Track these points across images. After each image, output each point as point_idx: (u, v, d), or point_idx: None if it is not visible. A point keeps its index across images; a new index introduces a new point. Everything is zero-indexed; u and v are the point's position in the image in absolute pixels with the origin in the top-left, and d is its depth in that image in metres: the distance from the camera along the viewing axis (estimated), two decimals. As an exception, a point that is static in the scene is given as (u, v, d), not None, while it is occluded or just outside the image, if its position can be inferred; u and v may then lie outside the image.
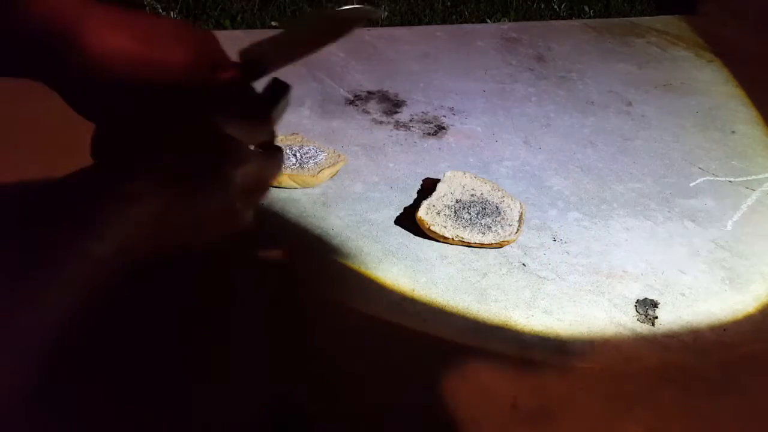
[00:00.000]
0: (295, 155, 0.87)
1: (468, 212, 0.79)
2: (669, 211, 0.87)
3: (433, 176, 0.89)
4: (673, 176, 0.95)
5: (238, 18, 1.54)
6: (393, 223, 0.80)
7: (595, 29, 1.49)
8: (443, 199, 0.81)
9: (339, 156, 0.89)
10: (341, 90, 1.12)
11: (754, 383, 0.63)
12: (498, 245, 0.76)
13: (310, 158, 0.86)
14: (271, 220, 0.80)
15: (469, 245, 0.76)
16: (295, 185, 0.84)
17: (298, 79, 1.14)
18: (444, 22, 1.64)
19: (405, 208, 0.83)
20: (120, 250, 0.19)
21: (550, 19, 1.69)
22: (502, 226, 0.78)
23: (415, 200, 0.85)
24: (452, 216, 0.78)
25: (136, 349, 0.57)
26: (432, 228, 0.76)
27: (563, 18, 1.70)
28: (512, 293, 0.71)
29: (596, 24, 1.53)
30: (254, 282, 0.69)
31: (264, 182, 0.30)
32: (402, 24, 1.59)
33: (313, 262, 0.74)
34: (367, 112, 1.06)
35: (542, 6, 1.75)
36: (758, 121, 1.13)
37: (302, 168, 0.85)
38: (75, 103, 0.25)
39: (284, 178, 0.84)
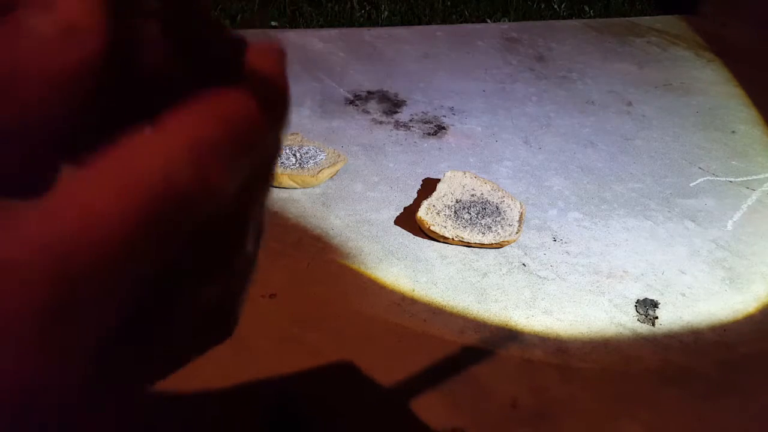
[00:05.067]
0: (295, 155, 0.87)
1: (468, 212, 0.79)
2: (669, 211, 0.87)
3: (433, 176, 0.89)
4: (673, 176, 0.95)
5: (238, 18, 1.54)
6: (393, 223, 0.80)
7: (595, 29, 1.49)
8: (443, 199, 0.81)
9: (339, 156, 0.89)
10: (341, 90, 1.12)
11: (754, 383, 0.63)
12: (498, 245, 0.76)
13: (310, 158, 0.86)
14: (271, 220, 0.80)
15: (469, 245, 0.76)
16: (295, 185, 0.84)
17: (298, 79, 1.14)
18: (444, 22, 1.64)
19: (405, 208, 0.83)
20: None
21: (550, 18, 1.69)
22: (502, 226, 0.78)
23: (415, 200, 0.85)
24: (452, 216, 0.78)
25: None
26: (432, 228, 0.76)
27: (563, 18, 1.70)
28: (512, 293, 0.71)
29: (596, 24, 1.53)
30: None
31: None
32: (402, 24, 1.59)
33: (313, 262, 0.74)
34: (367, 112, 1.06)
35: (542, 6, 1.75)
36: (758, 121, 1.13)
37: (302, 168, 0.85)
38: None
39: (284, 178, 0.84)
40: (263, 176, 0.16)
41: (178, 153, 0.13)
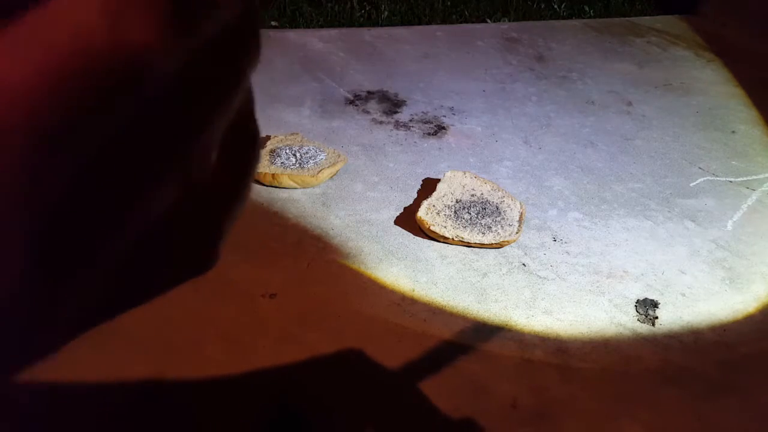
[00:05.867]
0: (295, 155, 0.87)
1: (468, 212, 0.79)
2: (669, 211, 0.87)
3: (433, 176, 0.89)
4: (673, 176, 0.95)
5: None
6: (393, 223, 0.80)
7: (595, 29, 1.49)
8: (443, 199, 0.81)
9: (339, 156, 0.89)
10: (341, 90, 1.12)
11: (754, 383, 0.63)
12: (498, 245, 0.76)
13: (310, 158, 0.86)
14: (271, 220, 0.80)
15: (469, 245, 0.76)
16: (295, 185, 0.84)
17: (298, 79, 1.14)
18: (444, 22, 1.64)
19: (405, 208, 0.83)
20: None
21: (550, 18, 1.69)
22: (502, 226, 0.78)
23: (415, 200, 0.85)
24: (452, 216, 0.78)
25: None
26: (432, 228, 0.76)
27: (563, 18, 1.70)
28: (512, 293, 0.71)
29: (596, 24, 1.53)
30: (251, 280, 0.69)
31: None
32: (402, 24, 1.59)
33: (313, 262, 0.74)
34: (367, 112, 1.06)
35: (542, 6, 1.75)
36: (758, 121, 1.13)
37: (302, 168, 0.85)
38: None
39: (284, 178, 0.84)
40: (225, 63, 0.14)
41: (87, 5, 0.11)
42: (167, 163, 0.14)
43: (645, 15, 1.65)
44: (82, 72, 0.11)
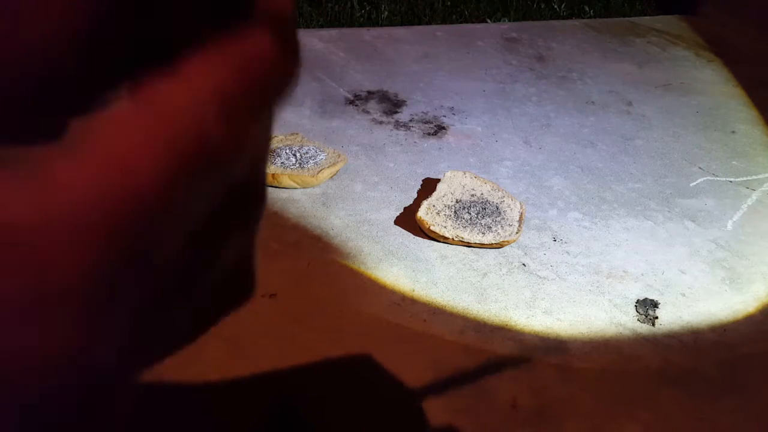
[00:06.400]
0: (295, 155, 0.87)
1: (468, 212, 0.79)
2: (669, 211, 0.87)
3: (433, 176, 0.89)
4: (673, 176, 0.95)
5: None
6: (393, 223, 0.80)
7: (595, 29, 1.49)
8: (443, 199, 0.81)
9: (339, 156, 0.89)
10: (341, 90, 1.12)
11: (754, 383, 0.63)
12: (498, 245, 0.76)
13: (310, 158, 0.86)
14: (271, 220, 0.80)
15: (469, 245, 0.76)
16: (295, 185, 0.84)
17: (298, 79, 1.14)
18: (444, 22, 1.64)
19: (405, 208, 0.83)
20: None
21: (550, 18, 1.69)
22: (502, 226, 0.78)
23: (415, 200, 0.85)
24: (452, 216, 0.78)
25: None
26: (432, 228, 0.76)
27: (563, 18, 1.70)
28: (512, 293, 0.71)
29: (596, 24, 1.53)
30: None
31: None
32: (402, 24, 1.59)
33: (313, 262, 0.74)
34: (367, 112, 1.06)
35: (542, 6, 1.75)
36: (758, 121, 1.13)
37: (302, 168, 0.85)
38: None
39: (284, 178, 0.84)
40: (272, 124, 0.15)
41: (206, 103, 0.12)
42: (244, 219, 0.15)
43: (645, 15, 1.65)
44: (203, 158, 0.12)
